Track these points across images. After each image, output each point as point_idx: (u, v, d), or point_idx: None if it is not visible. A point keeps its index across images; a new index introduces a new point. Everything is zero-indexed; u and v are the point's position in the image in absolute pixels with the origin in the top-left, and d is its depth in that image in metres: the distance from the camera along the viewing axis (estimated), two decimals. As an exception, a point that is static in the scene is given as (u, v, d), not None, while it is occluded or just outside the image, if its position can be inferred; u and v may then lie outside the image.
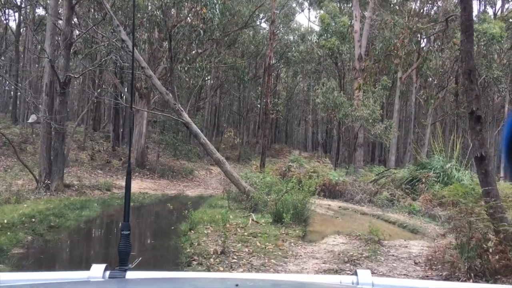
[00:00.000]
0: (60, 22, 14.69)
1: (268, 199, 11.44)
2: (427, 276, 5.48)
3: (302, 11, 39.87)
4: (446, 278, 5.27)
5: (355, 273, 1.31)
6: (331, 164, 24.65)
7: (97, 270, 1.33)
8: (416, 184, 15.44)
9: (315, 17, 41.99)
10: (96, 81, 22.20)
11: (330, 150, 37.85)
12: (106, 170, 20.47)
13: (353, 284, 1.30)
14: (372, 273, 1.30)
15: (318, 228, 10.10)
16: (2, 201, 10.62)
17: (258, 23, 29.22)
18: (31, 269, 6.28)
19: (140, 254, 7.26)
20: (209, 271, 5.62)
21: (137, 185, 18.67)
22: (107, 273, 1.34)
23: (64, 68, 13.65)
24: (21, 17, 30.60)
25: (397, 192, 15.42)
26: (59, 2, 14.37)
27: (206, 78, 24.02)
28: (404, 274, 5.64)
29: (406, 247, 7.95)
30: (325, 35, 25.80)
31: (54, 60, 13.40)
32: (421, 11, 26.49)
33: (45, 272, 1.34)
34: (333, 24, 24.82)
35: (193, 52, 18.18)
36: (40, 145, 14.40)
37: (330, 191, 16.39)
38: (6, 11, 30.84)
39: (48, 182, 13.61)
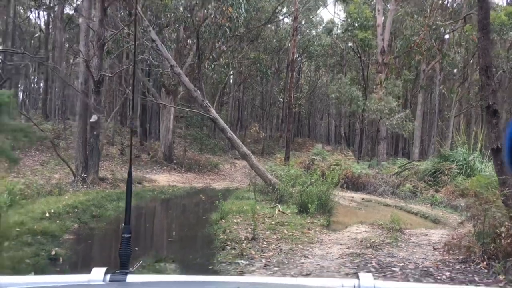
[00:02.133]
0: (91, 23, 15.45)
1: (293, 191, 11.94)
2: (444, 260, 5.90)
3: (326, 6, 39.91)
4: (462, 262, 5.68)
5: (357, 276, 1.31)
6: (354, 157, 24.95)
7: (98, 274, 1.34)
8: (439, 176, 15.68)
9: (340, 10, 42.02)
10: (126, 79, 22.94)
11: (353, 143, 38.02)
12: (135, 164, 21.28)
13: (354, 287, 1.30)
14: (373, 277, 1.29)
15: (341, 219, 10.54)
16: (45, 193, 11.42)
17: (281, 18, 29.55)
18: (83, 251, 6.96)
19: (178, 240, 7.88)
20: (242, 255, 6.17)
21: (165, 179, 19.44)
22: (108, 276, 1.35)
23: (98, 67, 14.37)
24: (51, 16, 31.63)
25: (420, 184, 15.71)
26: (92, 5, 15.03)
27: (230, 74, 24.56)
28: (423, 258, 6.07)
29: (427, 235, 8.34)
30: (351, 29, 25.98)
31: (89, 60, 14.13)
32: (445, 2, 26.36)
33: (46, 275, 1.36)
34: (359, 18, 25.00)
35: (218, 49, 18.69)
36: (76, 140, 15.19)
37: (353, 184, 16.76)
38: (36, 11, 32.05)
39: (85, 175, 14.40)
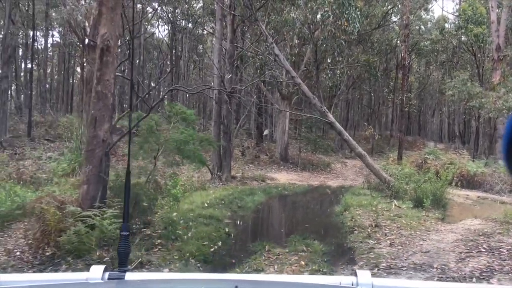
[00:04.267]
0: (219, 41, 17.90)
1: (408, 188, 12.99)
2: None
3: (436, 0, 39.02)
4: None
5: (355, 274, 1.30)
6: (469, 155, 24.61)
7: (97, 271, 1.34)
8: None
9: (453, 8, 40.70)
10: (252, 90, 25.57)
11: (468, 141, 36.72)
12: (256, 164, 23.64)
13: (352, 285, 1.29)
14: (372, 274, 1.30)
15: (456, 213, 11.41)
16: (194, 189, 13.96)
17: (391, 22, 30.01)
18: (244, 229, 9.01)
19: (313, 226, 9.59)
20: (369, 237, 7.66)
21: (284, 177, 21.41)
22: (106, 274, 1.35)
23: (229, 80, 16.75)
24: (174, 29, 35.46)
25: (541, 183, 15.55)
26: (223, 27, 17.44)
27: (344, 80, 25.91)
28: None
29: (541, 229, 8.98)
30: (465, 25, 25.68)
31: (221, 74, 16.57)
32: None
33: (44, 273, 1.68)
34: (474, 14, 24.68)
35: (334, 60, 20.17)
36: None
37: (468, 182, 17.05)
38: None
39: (220, 174, 16.90)
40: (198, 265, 6.00)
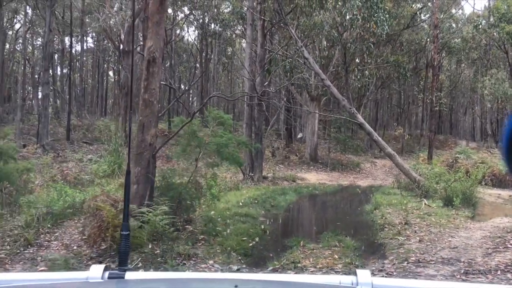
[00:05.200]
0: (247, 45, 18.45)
1: (438, 187, 13.18)
2: None
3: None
4: None
5: (355, 273, 1.30)
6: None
7: (97, 271, 1.35)
8: None
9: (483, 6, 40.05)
10: (281, 92, 26.09)
11: (501, 141, 36.02)
12: (286, 164, 24.10)
13: (352, 284, 1.29)
14: (371, 274, 1.31)
15: (486, 212, 11.57)
16: (228, 189, 14.53)
17: (420, 22, 29.92)
18: (278, 227, 9.52)
19: (345, 223, 10.00)
20: (399, 233, 8.02)
21: (314, 177, 21.79)
22: (106, 273, 1.36)
23: (260, 83, 17.26)
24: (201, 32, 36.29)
25: None
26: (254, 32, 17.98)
27: (373, 81, 26.09)
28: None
29: None
30: (497, 23, 25.42)
31: (254, 78, 17.10)
32: None
33: (44, 272, 1.46)
34: (507, 12, 24.42)
35: (362, 62, 20.43)
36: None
37: (500, 181, 17.03)
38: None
39: (251, 174, 17.44)
40: (239, 257, 6.54)
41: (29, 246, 7.20)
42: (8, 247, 7.12)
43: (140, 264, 5.79)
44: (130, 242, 1.66)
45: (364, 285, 1.25)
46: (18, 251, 6.96)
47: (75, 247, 7.33)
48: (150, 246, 6.27)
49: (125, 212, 1.76)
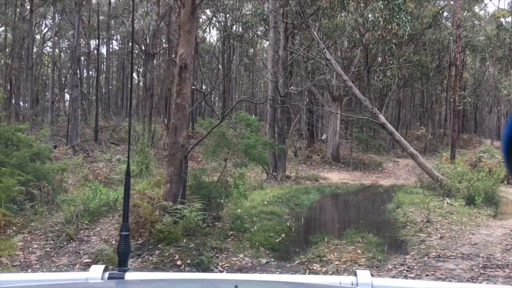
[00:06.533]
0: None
1: (460, 186, 13.31)
2: None
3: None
4: None
5: (355, 274, 1.31)
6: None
7: (96, 271, 1.35)
8: None
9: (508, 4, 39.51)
10: (304, 94, 26.40)
11: (527, 139, 35.44)
12: (308, 164, 24.39)
13: (352, 284, 1.30)
14: (371, 274, 1.31)
15: (508, 210, 11.68)
16: (253, 188, 14.95)
17: (442, 21, 29.78)
18: (302, 224, 9.89)
19: (367, 221, 10.29)
20: (421, 231, 8.28)
21: (336, 176, 22.03)
22: (106, 274, 1.36)
23: (283, 85, 17.62)
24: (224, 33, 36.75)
25: None
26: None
27: (395, 81, 26.18)
28: None
29: None
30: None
31: (276, 80, 17.48)
32: None
33: (45, 273, 1.63)
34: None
35: (384, 62, 20.59)
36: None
37: (524, 180, 16.97)
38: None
39: (275, 174, 17.82)
40: (267, 252, 6.95)
41: (71, 241, 7.75)
42: (52, 241, 7.69)
43: (176, 257, 6.24)
44: (130, 242, 1.71)
45: (364, 286, 1.26)
46: (62, 245, 7.51)
47: (113, 242, 7.85)
48: (184, 241, 6.73)
49: (124, 213, 1.76)
